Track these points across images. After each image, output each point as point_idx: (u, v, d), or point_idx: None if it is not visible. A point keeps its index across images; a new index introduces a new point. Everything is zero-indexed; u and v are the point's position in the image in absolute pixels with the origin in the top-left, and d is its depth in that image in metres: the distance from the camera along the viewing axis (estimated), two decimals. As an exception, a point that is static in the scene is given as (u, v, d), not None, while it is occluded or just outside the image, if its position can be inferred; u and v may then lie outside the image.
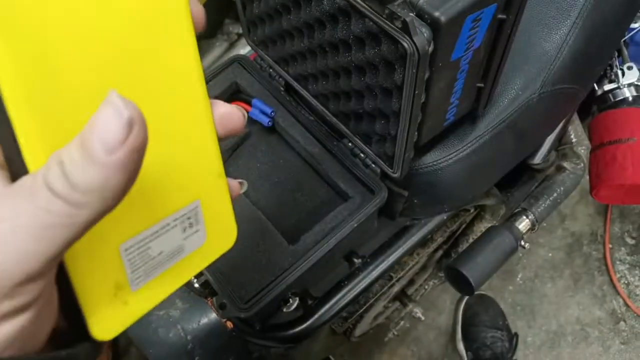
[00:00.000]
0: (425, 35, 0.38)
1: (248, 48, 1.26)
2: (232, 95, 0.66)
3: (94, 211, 0.20)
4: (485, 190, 0.71)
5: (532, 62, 0.61)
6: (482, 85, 0.53)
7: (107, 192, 0.19)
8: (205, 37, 1.23)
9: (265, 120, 0.63)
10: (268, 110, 0.62)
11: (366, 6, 0.40)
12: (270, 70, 0.64)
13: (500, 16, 0.45)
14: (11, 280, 0.19)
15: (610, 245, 1.45)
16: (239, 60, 0.66)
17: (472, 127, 0.59)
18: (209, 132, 0.27)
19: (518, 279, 1.44)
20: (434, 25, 0.40)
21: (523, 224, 0.74)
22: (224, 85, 0.65)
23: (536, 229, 0.74)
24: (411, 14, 0.38)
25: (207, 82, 0.62)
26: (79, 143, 0.19)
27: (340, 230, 0.53)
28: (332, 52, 0.50)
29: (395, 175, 0.53)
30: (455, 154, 0.58)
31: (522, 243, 0.72)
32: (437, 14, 0.39)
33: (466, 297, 1.39)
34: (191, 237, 0.28)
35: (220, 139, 0.28)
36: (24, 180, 0.20)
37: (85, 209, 0.19)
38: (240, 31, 1.24)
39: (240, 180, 0.32)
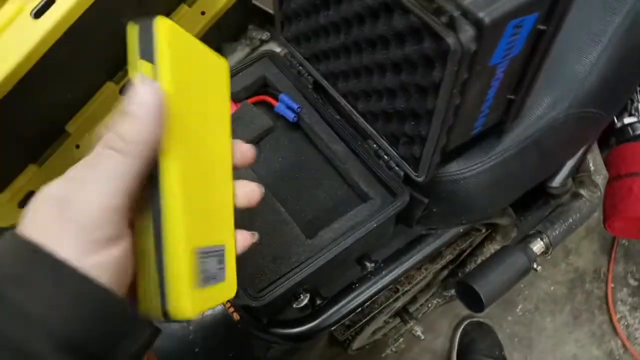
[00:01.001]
0: (470, 32, 0.38)
1: (270, 53, 1.27)
2: (259, 88, 0.66)
3: (141, 161, 0.28)
4: (504, 206, 0.70)
5: (562, 82, 0.62)
6: (513, 97, 0.53)
7: (145, 144, 0.28)
8: (228, 40, 1.24)
9: (290, 116, 0.63)
10: (294, 106, 0.62)
11: (412, 1, 0.40)
12: (300, 67, 0.65)
13: (540, 27, 0.46)
14: (98, 211, 0.27)
15: (613, 285, 1.44)
16: (269, 55, 0.67)
17: (498, 140, 0.59)
18: (231, 202, 0.37)
19: (518, 310, 1.42)
20: (477, 26, 0.40)
21: (537, 246, 0.73)
22: (253, 78, 0.65)
23: (550, 253, 0.74)
24: (457, 12, 0.39)
25: (235, 75, 0.63)
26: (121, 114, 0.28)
27: (359, 229, 0.53)
28: (368, 49, 0.50)
29: (419, 179, 0.53)
30: (479, 165, 0.57)
31: (535, 265, 0.71)
32: (481, 14, 0.39)
33: (464, 323, 1.37)
34: (220, 271, 0.35)
35: (244, 207, 0.38)
36: (90, 158, 0.28)
37: (136, 159, 0.27)
38: (264, 37, 1.26)
39: (252, 232, 0.40)
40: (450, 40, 0.38)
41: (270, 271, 0.51)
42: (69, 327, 0.26)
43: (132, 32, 0.27)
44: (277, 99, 0.65)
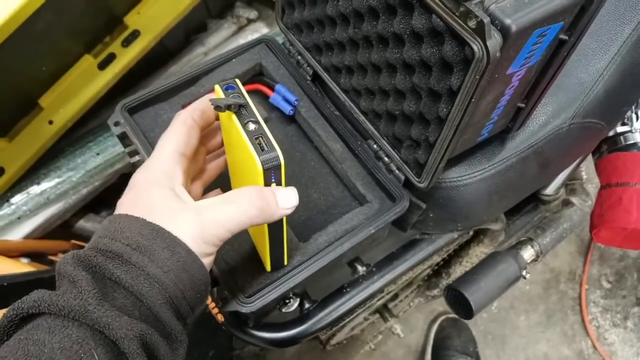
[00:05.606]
0: (498, 40, 0.36)
1: (257, 34, 1.22)
2: (254, 76, 0.63)
3: (259, 223, 0.39)
4: (500, 213, 0.69)
5: (566, 91, 0.60)
6: (522, 105, 0.51)
7: (271, 218, 0.40)
8: (214, 17, 1.19)
9: (287, 109, 0.59)
10: (292, 98, 0.59)
11: (438, 1, 0.37)
12: (299, 57, 0.61)
13: (561, 36, 0.43)
14: (217, 237, 0.37)
15: (587, 286, 1.46)
16: (267, 41, 0.63)
17: (501, 147, 0.57)
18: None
19: (493, 308, 1.43)
20: (502, 32, 0.37)
21: (528, 254, 0.72)
22: (248, 65, 0.61)
23: (539, 260, 0.73)
24: (487, 18, 0.36)
25: (229, 60, 0.59)
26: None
27: (356, 234, 0.50)
28: (378, 46, 0.47)
29: (421, 185, 0.51)
30: (480, 172, 0.55)
31: (524, 273, 0.70)
32: (508, 21, 0.37)
33: (440, 319, 1.37)
34: None
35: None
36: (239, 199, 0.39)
37: (262, 222, 0.40)
38: (252, 16, 1.21)
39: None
40: (475, 46, 0.36)
41: (261, 275, 0.49)
42: (175, 288, 0.35)
43: (255, 165, 0.37)
44: (272, 89, 0.61)
